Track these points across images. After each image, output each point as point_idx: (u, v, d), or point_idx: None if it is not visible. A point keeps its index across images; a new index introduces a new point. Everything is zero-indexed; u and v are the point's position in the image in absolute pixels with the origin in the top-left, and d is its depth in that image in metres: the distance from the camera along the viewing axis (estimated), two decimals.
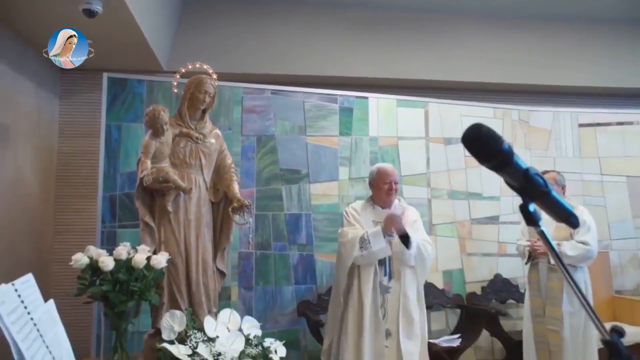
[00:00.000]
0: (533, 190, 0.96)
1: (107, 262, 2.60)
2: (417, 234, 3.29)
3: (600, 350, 3.50)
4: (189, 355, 2.50)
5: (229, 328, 2.73)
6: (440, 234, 4.33)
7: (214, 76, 3.16)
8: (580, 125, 4.84)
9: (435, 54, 4.94)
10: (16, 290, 1.41)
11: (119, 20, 3.48)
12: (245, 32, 4.69)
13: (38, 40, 3.75)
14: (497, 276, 4.42)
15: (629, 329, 3.83)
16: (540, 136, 4.78)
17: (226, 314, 2.81)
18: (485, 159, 0.95)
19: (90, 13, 3.20)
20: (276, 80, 4.38)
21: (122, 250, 2.71)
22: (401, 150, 4.37)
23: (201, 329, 2.65)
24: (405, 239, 3.17)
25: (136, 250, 2.74)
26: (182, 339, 2.61)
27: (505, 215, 4.53)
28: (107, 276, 2.60)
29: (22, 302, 1.41)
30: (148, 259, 2.69)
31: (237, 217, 3.05)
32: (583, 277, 3.61)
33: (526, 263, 3.77)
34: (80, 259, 2.63)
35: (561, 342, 3.53)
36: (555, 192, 0.99)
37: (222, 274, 3.14)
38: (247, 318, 2.88)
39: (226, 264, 3.20)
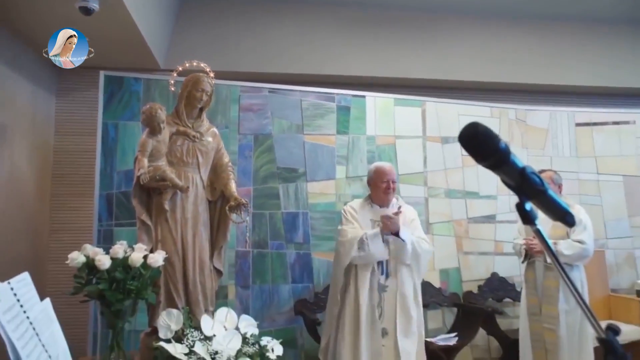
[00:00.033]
0: (529, 189, 0.96)
1: (104, 261, 2.59)
2: (415, 233, 3.30)
3: (596, 349, 3.52)
4: (186, 354, 2.50)
5: (225, 327, 2.74)
6: (437, 232, 4.34)
7: (211, 74, 3.16)
8: (577, 125, 4.85)
9: (432, 53, 4.94)
10: (12, 288, 1.40)
11: (116, 18, 3.47)
12: (242, 31, 4.68)
13: (35, 38, 3.74)
14: (494, 275, 4.43)
15: (624, 327, 3.87)
16: (537, 135, 4.79)
17: (223, 312, 2.81)
18: (481, 157, 0.95)
19: (86, 11, 3.19)
20: (273, 79, 4.37)
21: (119, 248, 2.70)
22: (398, 149, 4.37)
23: (198, 328, 2.65)
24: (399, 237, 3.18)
25: (133, 249, 2.74)
26: (178, 337, 2.61)
27: (502, 214, 4.53)
28: (104, 275, 2.60)
29: (18, 300, 1.40)
30: (145, 257, 2.68)
31: (234, 216, 3.04)
32: (579, 276, 3.62)
33: (523, 262, 3.79)
34: (76, 258, 2.62)
35: (557, 341, 3.54)
36: (552, 191, 0.99)
37: (219, 272, 3.13)
38: (244, 317, 2.88)
39: (223, 263, 3.19)
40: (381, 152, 4.31)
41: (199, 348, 2.52)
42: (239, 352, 2.62)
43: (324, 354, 3.34)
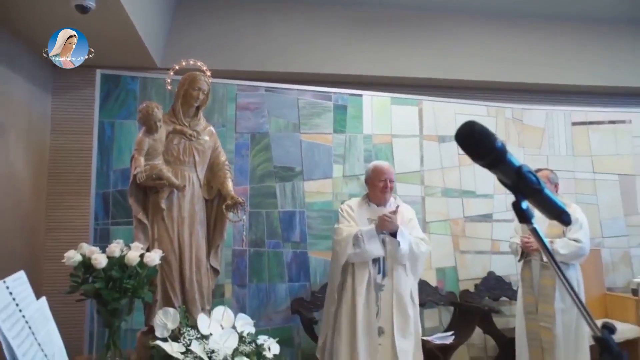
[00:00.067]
0: (526, 187, 0.96)
1: (100, 260, 2.58)
2: (413, 232, 3.30)
3: (592, 347, 3.53)
4: (183, 353, 2.50)
5: (222, 325, 2.73)
6: (433, 231, 4.34)
7: (208, 73, 3.15)
8: (573, 124, 4.86)
9: (429, 52, 4.95)
10: (8, 287, 1.40)
11: (112, 16, 3.46)
12: (239, 29, 4.68)
13: (31, 36, 3.73)
14: (490, 274, 4.44)
15: (620, 325, 3.88)
16: (533, 134, 4.80)
17: (220, 311, 2.80)
18: (478, 156, 0.95)
19: (83, 9, 3.18)
20: (270, 78, 4.37)
21: (115, 247, 2.69)
22: (395, 148, 4.37)
23: (194, 327, 2.64)
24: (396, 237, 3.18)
25: (129, 248, 2.73)
26: (175, 336, 2.61)
27: (498, 213, 4.55)
28: (100, 273, 2.59)
29: (14, 299, 1.40)
30: (141, 256, 2.68)
31: (230, 215, 3.04)
32: (575, 275, 3.64)
33: (519, 260, 3.80)
34: (72, 257, 2.62)
35: (553, 339, 3.55)
36: (548, 190, 0.99)
37: (215, 271, 3.13)
38: (241, 315, 2.88)
39: (220, 262, 3.19)
40: (378, 151, 4.31)
41: (196, 347, 2.52)
42: (236, 351, 2.61)
43: (321, 353, 3.34)
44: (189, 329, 2.61)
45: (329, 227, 3.86)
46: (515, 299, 3.97)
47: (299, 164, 4.11)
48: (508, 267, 4.40)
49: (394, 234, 3.17)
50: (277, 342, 2.84)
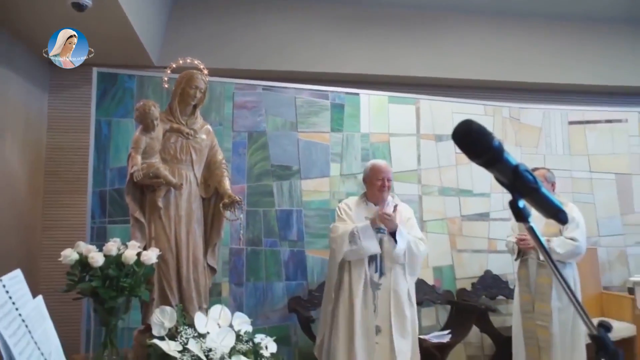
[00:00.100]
0: (522, 186, 0.97)
1: (97, 258, 2.58)
2: (412, 232, 3.31)
3: (588, 345, 3.54)
4: (180, 352, 2.50)
5: (219, 324, 2.73)
6: (430, 230, 4.35)
7: (205, 71, 3.15)
8: (570, 123, 4.87)
9: (426, 51, 4.95)
10: (4, 286, 1.39)
11: (109, 14, 3.45)
12: (236, 28, 4.67)
13: (28, 34, 3.71)
14: (487, 272, 4.45)
15: (616, 324, 3.89)
16: (530, 133, 4.81)
17: (217, 310, 2.80)
18: (475, 155, 0.95)
19: (79, 7, 3.17)
20: (267, 76, 4.37)
21: (112, 246, 2.69)
22: (392, 147, 4.37)
23: (192, 325, 2.64)
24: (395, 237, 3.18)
25: (126, 246, 2.73)
26: (172, 335, 2.61)
27: (495, 212, 4.55)
28: (97, 272, 2.59)
29: (10, 298, 1.40)
30: (138, 254, 2.68)
31: (228, 213, 3.04)
32: (572, 274, 3.64)
33: (516, 259, 3.80)
34: (69, 255, 2.61)
35: (550, 338, 3.56)
36: (545, 189, 0.99)
37: (212, 270, 3.13)
38: (238, 314, 2.88)
39: (217, 260, 3.19)
40: (375, 149, 4.31)
41: (193, 345, 2.52)
42: (233, 350, 2.61)
43: (319, 351, 3.35)
44: (186, 327, 2.61)
45: (326, 225, 3.86)
46: (512, 298, 3.97)
47: (296, 162, 4.11)
48: (505, 266, 4.41)
49: (393, 233, 3.18)
50: (274, 340, 2.84)
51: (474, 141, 0.95)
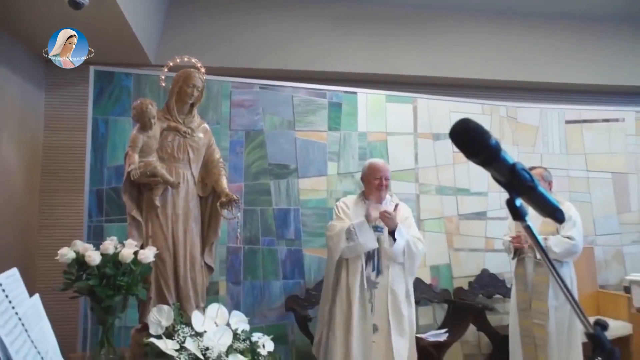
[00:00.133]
0: (519, 185, 0.97)
1: (94, 257, 2.58)
2: (409, 231, 3.31)
3: (584, 344, 3.55)
4: (177, 350, 2.50)
5: (216, 323, 2.73)
6: (428, 229, 4.35)
7: (203, 70, 3.15)
8: (567, 122, 4.88)
9: (424, 49, 4.95)
10: (0, 284, 1.39)
11: (106, 13, 3.44)
12: (234, 26, 4.66)
13: (24, 33, 3.70)
14: (484, 271, 4.45)
15: (612, 323, 3.91)
16: (527, 132, 4.82)
17: (214, 308, 2.80)
18: (472, 153, 0.95)
19: (76, 5, 3.15)
20: (265, 75, 4.36)
21: (109, 244, 2.69)
22: (390, 146, 4.37)
23: (189, 324, 2.64)
24: (394, 236, 3.19)
25: (123, 245, 2.73)
26: (169, 333, 2.60)
27: (492, 211, 4.56)
28: (94, 271, 2.59)
29: (7, 296, 1.39)
30: (135, 253, 2.67)
31: (225, 212, 3.04)
32: (568, 272, 3.65)
33: (513, 258, 3.81)
34: (66, 254, 2.61)
35: (546, 336, 3.57)
36: (542, 188, 1.00)
37: (210, 268, 3.13)
38: (235, 313, 2.88)
39: (214, 259, 3.19)
40: (372, 148, 4.31)
41: (190, 344, 2.52)
42: (230, 348, 2.61)
43: (317, 350, 3.35)
44: (183, 326, 2.61)
45: (324, 224, 3.86)
46: (509, 297, 3.98)
47: (293, 161, 4.11)
48: (502, 265, 4.41)
49: (392, 232, 3.19)
50: (272, 339, 2.84)
51: (471, 140, 0.95)
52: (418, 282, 4.12)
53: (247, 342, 2.71)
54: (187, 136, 3.05)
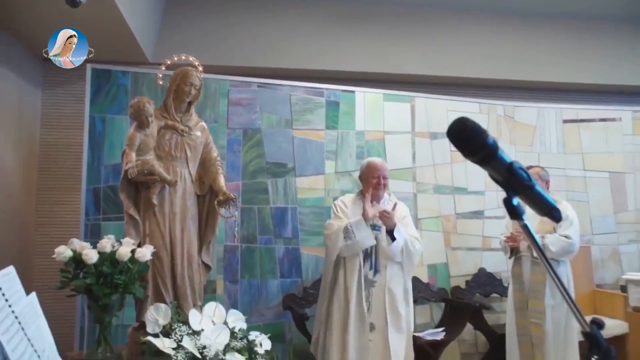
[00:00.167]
0: (517, 184, 0.97)
1: (91, 255, 2.58)
2: (407, 230, 3.31)
3: (581, 343, 3.56)
4: (174, 349, 2.50)
5: (214, 321, 2.73)
6: (425, 228, 4.35)
7: (200, 68, 3.14)
8: (564, 121, 4.89)
9: (422, 48, 4.95)
10: None
11: (104, 11, 3.43)
12: (231, 25, 4.66)
13: (20, 30, 3.69)
14: (481, 270, 4.46)
15: (608, 321, 3.92)
16: (525, 131, 4.82)
17: (211, 307, 2.80)
18: (469, 152, 0.95)
19: (73, 3, 3.14)
20: (263, 73, 4.35)
21: (106, 243, 2.69)
22: (387, 145, 4.37)
23: (186, 322, 2.64)
24: (393, 235, 3.19)
25: (120, 243, 2.73)
26: (166, 332, 2.60)
27: (490, 210, 4.56)
28: (91, 269, 2.59)
29: (3, 294, 1.39)
30: (132, 251, 2.67)
31: (222, 210, 3.04)
32: (565, 271, 3.67)
33: (510, 257, 3.82)
34: (63, 252, 2.61)
35: (543, 335, 3.58)
36: (539, 187, 1.00)
37: (207, 267, 3.13)
38: (233, 311, 2.88)
39: (211, 257, 3.19)
40: (370, 147, 4.31)
41: (187, 342, 2.51)
42: (227, 347, 2.61)
43: (314, 348, 3.36)
44: (181, 324, 2.61)
45: (321, 223, 3.86)
46: (506, 296, 3.99)
47: (291, 160, 4.11)
48: (499, 264, 4.42)
49: (389, 231, 3.19)
50: (269, 338, 2.84)
51: (468, 139, 0.95)
52: (415, 281, 4.12)
53: (245, 340, 2.71)
54: (185, 134, 3.05)
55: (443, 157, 4.49)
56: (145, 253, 2.70)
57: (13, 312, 1.40)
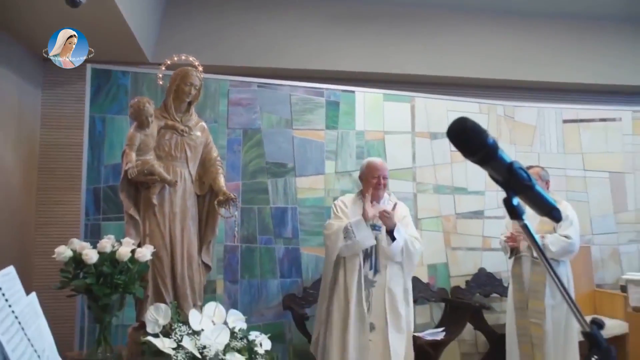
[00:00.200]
0: (517, 183, 0.97)
1: (91, 255, 2.58)
2: (407, 230, 3.31)
3: (581, 343, 3.56)
4: (174, 349, 2.50)
5: (214, 321, 2.73)
6: (425, 228, 4.35)
7: (200, 68, 3.14)
8: (564, 122, 4.88)
9: (422, 48, 4.95)
10: None
11: (104, 11, 3.43)
12: (231, 25, 4.65)
13: (20, 30, 3.69)
14: (481, 270, 4.46)
15: (608, 321, 3.92)
16: (525, 131, 4.82)
17: (211, 307, 2.80)
18: (469, 152, 0.95)
19: (73, 3, 3.14)
20: (262, 73, 4.35)
21: (106, 243, 2.69)
22: (387, 145, 4.37)
23: (186, 322, 2.64)
24: (393, 235, 3.19)
25: (120, 243, 2.73)
26: (166, 332, 2.60)
27: (490, 210, 4.56)
28: (91, 269, 2.58)
29: (3, 294, 1.39)
30: (132, 251, 2.67)
31: (222, 210, 3.04)
32: (565, 271, 3.67)
33: (510, 257, 3.82)
34: (63, 252, 2.61)
35: (543, 335, 3.58)
36: (539, 187, 1.00)
37: (207, 267, 3.13)
38: (233, 311, 2.88)
39: (211, 257, 3.19)
40: (370, 147, 4.31)
41: (187, 342, 2.51)
42: (227, 347, 2.61)
43: (314, 349, 3.36)
44: (181, 324, 2.61)
45: (321, 223, 3.86)
46: (506, 296, 3.99)
47: (291, 160, 4.11)
48: (499, 264, 4.42)
49: (391, 231, 3.19)
50: (269, 338, 2.84)
51: (468, 139, 0.95)
52: (415, 281, 4.12)
53: (245, 340, 2.71)
54: (185, 134, 3.05)
55: (443, 157, 4.49)
56: (145, 253, 2.70)
57: (13, 312, 1.40)
